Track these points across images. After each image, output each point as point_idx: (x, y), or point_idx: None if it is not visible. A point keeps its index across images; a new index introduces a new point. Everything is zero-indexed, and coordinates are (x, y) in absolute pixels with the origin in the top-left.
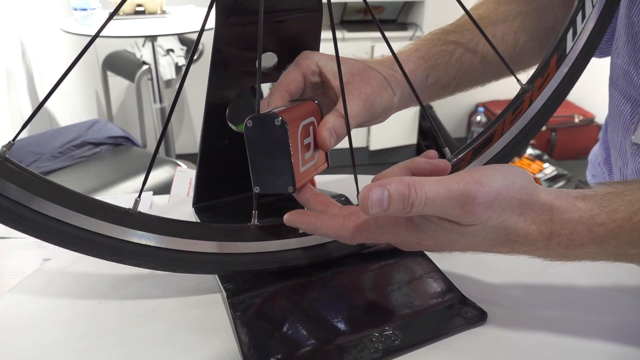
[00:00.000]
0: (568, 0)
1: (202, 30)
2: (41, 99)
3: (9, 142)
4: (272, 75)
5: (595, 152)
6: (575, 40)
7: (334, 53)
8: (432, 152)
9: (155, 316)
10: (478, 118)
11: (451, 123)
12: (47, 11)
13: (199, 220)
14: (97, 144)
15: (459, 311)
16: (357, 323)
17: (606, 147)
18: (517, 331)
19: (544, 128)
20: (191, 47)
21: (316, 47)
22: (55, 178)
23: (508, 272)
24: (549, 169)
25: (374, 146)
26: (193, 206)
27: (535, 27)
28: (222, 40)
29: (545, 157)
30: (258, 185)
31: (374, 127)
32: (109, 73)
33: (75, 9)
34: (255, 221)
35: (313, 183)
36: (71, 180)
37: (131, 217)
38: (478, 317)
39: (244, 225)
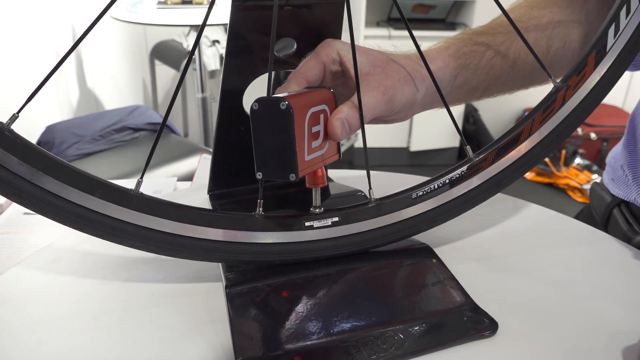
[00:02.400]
0: (604, 8)
1: (206, 20)
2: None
3: (13, 114)
4: (290, 62)
5: (617, 154)
6: (617, 37)
7: (375, 49)
8: None
9: (153, 300)
10: None
11: (496, 127)
12: None
13: (211, 208)
14: (136, 130)
15: (469, 320)
16: (356, 323)
17: (630, 149)
18: (529, 349)
19: (594, 137)
20: None
21: (338, 36)
22: (93, 161)
23: (528, 283)
24: (598, 180)
25: (415, 147)
26: (208, 193)
27: (569, 34)
28: (239, 25)
29: (595, 167)
30: (261, 170)
31: (415, 128)
32: (156, 62)
33: None
34: (260, 210)
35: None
36: (108, 164)
37: (132, 198)
38: (488, 327)
39: (248, 214)
